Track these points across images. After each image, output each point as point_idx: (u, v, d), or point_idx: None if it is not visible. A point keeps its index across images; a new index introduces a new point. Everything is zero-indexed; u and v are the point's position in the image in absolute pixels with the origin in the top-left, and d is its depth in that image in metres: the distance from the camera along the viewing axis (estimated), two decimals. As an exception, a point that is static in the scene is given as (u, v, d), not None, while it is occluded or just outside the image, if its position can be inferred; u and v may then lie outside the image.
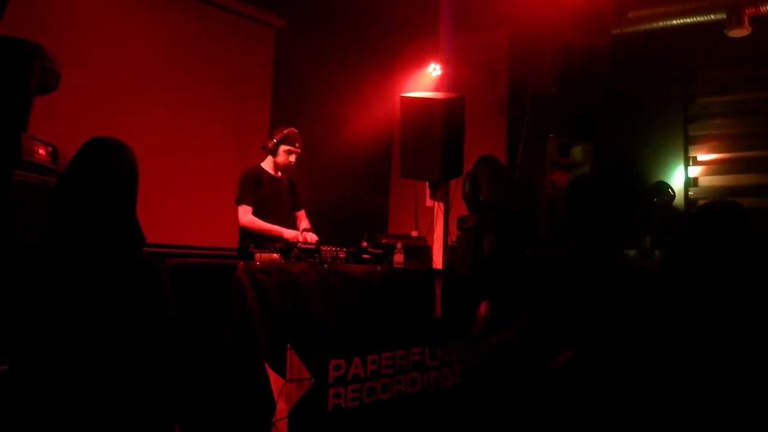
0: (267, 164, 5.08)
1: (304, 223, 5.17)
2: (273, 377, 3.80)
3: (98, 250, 2.06)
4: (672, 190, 7.34)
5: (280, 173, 5.10)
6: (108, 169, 2.12)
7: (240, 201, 4.88)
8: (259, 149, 5.20)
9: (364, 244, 4.81)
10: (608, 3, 5.99)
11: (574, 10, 5.84)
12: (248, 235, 4.74)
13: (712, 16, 6.56)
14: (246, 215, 4.85)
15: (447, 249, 5.43)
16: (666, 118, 7.64)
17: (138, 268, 2.13)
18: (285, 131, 5.00)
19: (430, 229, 5.53)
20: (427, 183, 5.51)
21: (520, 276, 3.07)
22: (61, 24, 5.68)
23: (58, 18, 5.72)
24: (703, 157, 7.69)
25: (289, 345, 3.93)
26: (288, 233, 4.77)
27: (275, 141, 4.99)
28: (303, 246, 4.34)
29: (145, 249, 2.21)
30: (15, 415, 1.95)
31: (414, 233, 5.50)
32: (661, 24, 6.81)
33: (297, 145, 5.02)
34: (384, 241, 4.98)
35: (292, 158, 5.03)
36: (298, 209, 5.23)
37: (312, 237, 4.76)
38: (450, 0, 5.84)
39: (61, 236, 2.09)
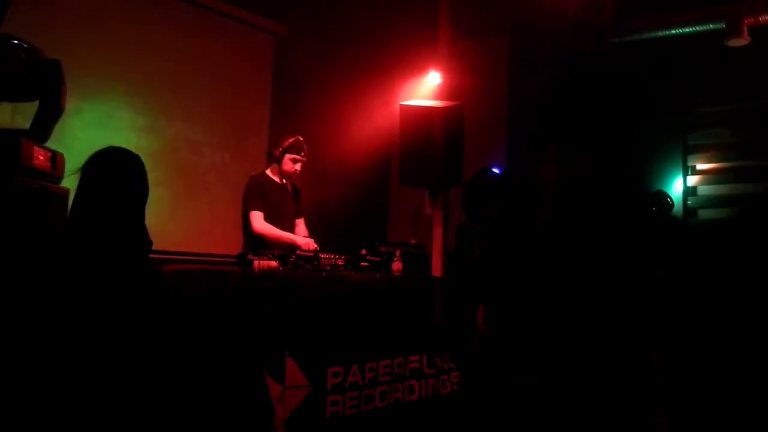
0: (271, 172, 5.06)
1: (302, 230, 5.14)
2: (271, 384, 3.80)
3: (109, 253, 2.07)
4: (671, 198, 7.34)
5: (284, 181, 5.07)
6: (128, 178, 2.17)
7: (252, 207, 4.83)
8: (258, 156, 5.20)
9: (363, 251, 4.80)
10: (608, 12, 6.00)
11: (575, 18, 5.85)
12: (259, 243, 4.69)
13: (711, 26, 6.57)
14: (258, 221, 4.79)
15: (446, 257, 5.42)
16: (665, 127, 7.64)
17: (143, 272, 2.15)
18: (291, 139, 4.96)
19: (429, 236, 5.53)
20: (426, 191, 5.52)
21: (518, 285, 3.10)
22: (61, 29, 5.68)
23: (58, 23, 5.72)
24: (702, 166, 7.70)
25: (287, 352, 3.92)
26: (300, 240, 4.76)
27: (281, 149, 4.96)
28: (302, 253, 4.34)
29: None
30: (14, 414, 1.96)
31: (413, 241, 5.50)
32: (660, 33, 6.82)
33: (302, 153, 4.98)
34: (383, 248, 4.97)
35: (298, 167, 4.99)
36: (299, 216, 5.21)
37: (311, 245, 4.76)
38: (450, 8, 5.85)
39: (71, 240, 2.11)
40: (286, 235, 4.80)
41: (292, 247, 4.61)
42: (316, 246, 4.72)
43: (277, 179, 5.03)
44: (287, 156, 4.94)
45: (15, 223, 3.40)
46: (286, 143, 4.95)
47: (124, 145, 2.28)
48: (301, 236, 4.94)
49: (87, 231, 2.10)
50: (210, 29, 7.13)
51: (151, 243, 2.21)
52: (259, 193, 4.89)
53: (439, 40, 5.90)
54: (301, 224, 5.19)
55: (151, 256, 2.25)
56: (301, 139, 5.00)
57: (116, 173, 2.18)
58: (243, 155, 7.19)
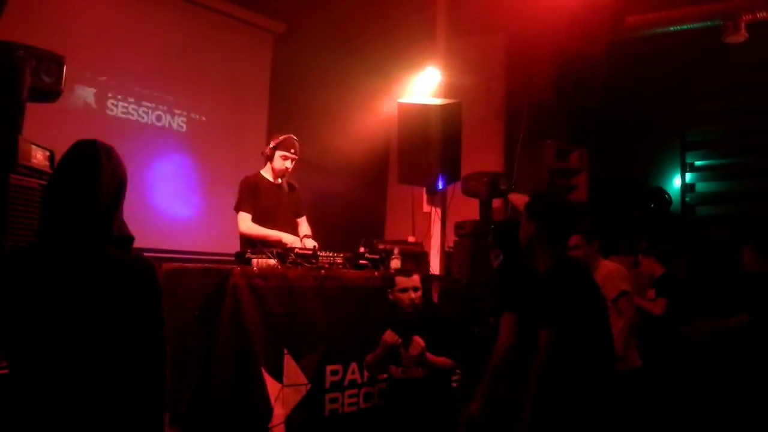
0: (266, 171, 5.04)
1: (304, 228, 5.11)
2: (270, 382, 3.80)
3: (86, 246, 2.06)
4: (669, 195, 7.35)
5: (280, 180, 5.06)
6: (97, 170, 2.12)
7: (238, 208, 4.83)
8: (255, 153, 5.17)
9: (362, 249, 4.80)
10: (605, 10, 6.00)
11: (572, 16, 5.85)
12: (248, 242, 4.69)
13: (709, 23, 6.57)
14: (245, 222, 4.78)
15: (444, 254, 5.42)
16: (663, 124, 7.65)
17: (130, 263, 2.13)
18: (281, 137, 4.96)
19: (427, 234, 5.53)
20: (424, 188, 5.52)
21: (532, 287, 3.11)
22: (60, 28, 5.68)
23: (58, 22, 5.72)
24: (700, 162, 7.71)
25: (285, 350, 3.93)
26: (287, 239, 4.73)
27: (271, 147, 4.95)
28: (300, 251, 4.33)
29: (143, 254, 2.21)
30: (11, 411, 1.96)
31: (411, 239, 5.50)
32: (658, 31, 6.82)
33: (292, 150, 4.97)
34: (381, 246, 4.97)
35: (288, 164, 4.98)
36: (300, 215, 5.17)
37: (310, 243, 4.74)
38: (447, 5, 5.85)
39: (48, 235, 2.10)
40: (272, 234, 4.76)
41: (279, 245, 4.58)
42: (314, 244, 4.70)
43: (271, 178, 5.02)
44: (277, 153, 4.93)
45: (12, 222, 3.40)
46: (276, 141, 4.95)
47: (120, 144, 2.25)
48: (293, 236, 4.88)
49: (53, 228, 2.08)
50: (208, 28, 7.13)
51: (131, 238, 2.18)
52: (250, 194, 4.86)
53: (436, 38, 5.90)
54: (303, 223, 5.14)
55: (151, 255, 2.24)
56: (293, 136, 4.99)
57: (78, 168, 2.13)
58: (241, 153, 7.19)
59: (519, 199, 3.25)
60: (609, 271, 4.40)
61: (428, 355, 3.88)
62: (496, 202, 5.87)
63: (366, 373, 4.29)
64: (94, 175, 2.10)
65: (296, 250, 4.35)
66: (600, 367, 2.92)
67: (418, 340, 3.87)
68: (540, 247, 3.10)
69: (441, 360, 3.97)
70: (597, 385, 2.88)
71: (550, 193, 5.38)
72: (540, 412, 2.87)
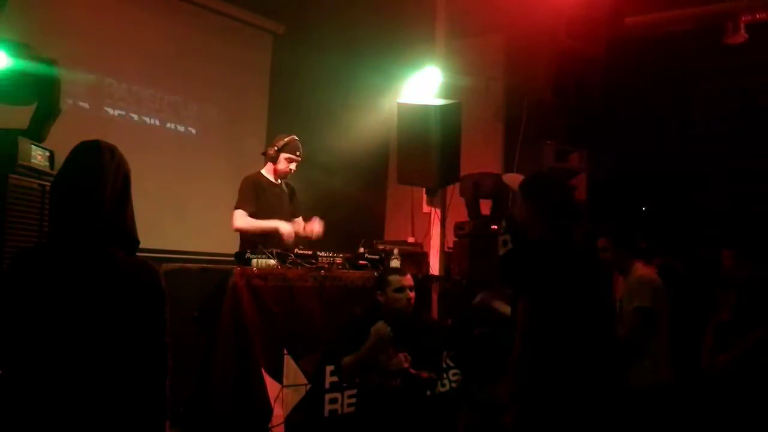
0: (267, 171, 5.06)
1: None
2: (270, 382, 3.81)
3: (91, 248, 2.05)
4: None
5: (279, 180, 5.08)
6: (101, 169, 2.11)
7: (238, 206, 4.85)
8: (255, 153, 5.18)
9: (361, 249, 4.80)
10: (605, 10, 5.99)
11: (571, 16, 5.84)
12: (247, 240, 4.70)
13: (709, 24, 6.57)
14: (241, 218, 4.78)
15: (444, 255, 5.43)
16: (662, 125, 7.65)
17: (135, 267, 2.13)
18: (286, 139, 4.97)
19: (427, 235, 5.54)
20: (423, 189, 5.52)
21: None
22: (59, 28, 5.68)
23: (57, 22, 5.72)
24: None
25: (285, 350, 3.94)
26: (283, 227, 4.72)
27: (276, 148, 4.96)
28: (300, 252, 4.34)
29: (143, 254, 2.21)
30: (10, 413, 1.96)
31: (411, 239, 5.50)
32: (658, 31, 6.82)
33: (298, 153, 5.00)
34: (381, 246, 4.98)
35: (293, 166, 5.01)
36: (296, 216, 5.20)
37: (314, 228, 4.78)
38: (447, 6, 5.85)
39: (54, 236, 2.09)
40: (268, 225, 4.77)
41: (276, 234, 4.62)
42: (318, 229, 4.77)
43: (272, 178, 5.04)
44: (282, 155, 4.95)
45: (12, 220, 3.41)
46: (281, 142, 4.96)
47: (119, 144, 2.24)
48: (286, 223, 4.87)
49: (59, 230, 2.08)
50: (208, 29, 7.13)
51: (137, 241, 2.17)
52: (252, 193, 4.88)
53: (436, 38, 5.90)
54: (299, 222, 5.18)
55: (150, 255, 2.24)
56: (296, 138, 5.01)
57: (82, 168, 2.11)
58: (241, 154, 7.19)
59: (513, 180, 3.15)
60: (635, 279, 4.13)
61: (411, 370, 3.70)
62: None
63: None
64: (99, 175, 2.08)
65: (296, 250, 4.37)
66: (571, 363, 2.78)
67: (403, 356, 3.67)
68: (536, 228, 3.00)
69: (423, 374, 3.78)
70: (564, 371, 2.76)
71: (546, 173, 5.30)
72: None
